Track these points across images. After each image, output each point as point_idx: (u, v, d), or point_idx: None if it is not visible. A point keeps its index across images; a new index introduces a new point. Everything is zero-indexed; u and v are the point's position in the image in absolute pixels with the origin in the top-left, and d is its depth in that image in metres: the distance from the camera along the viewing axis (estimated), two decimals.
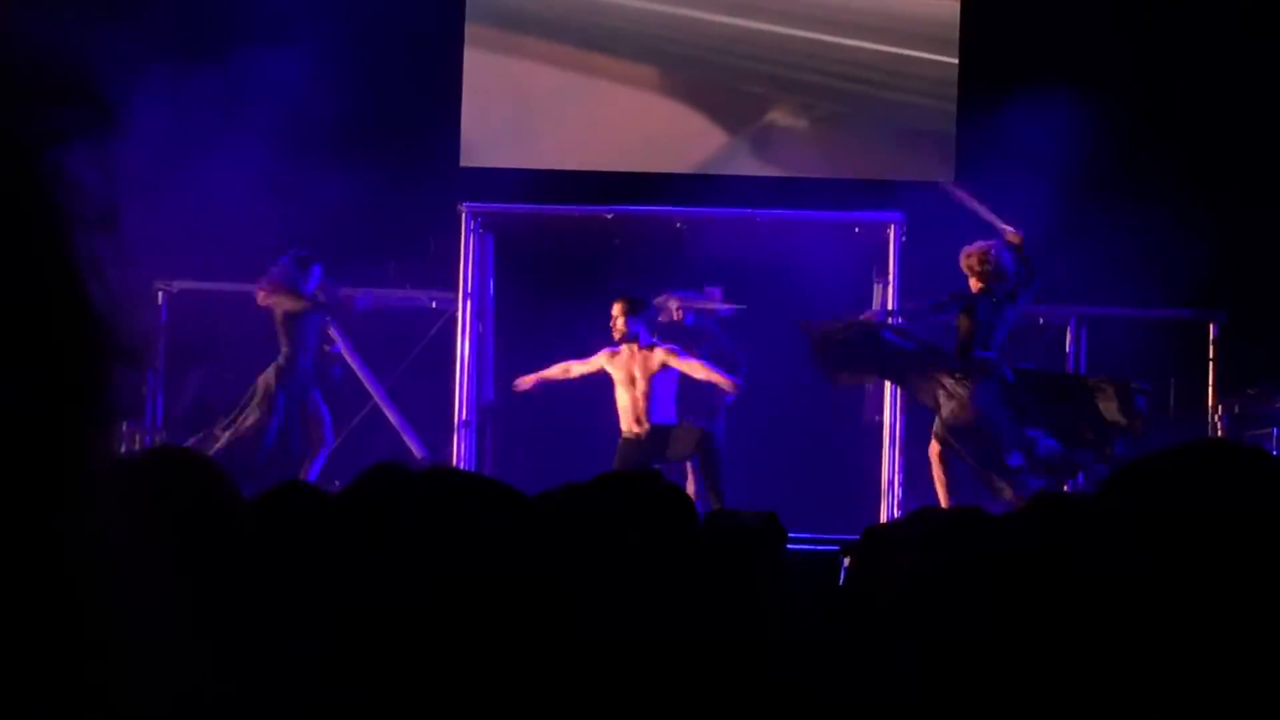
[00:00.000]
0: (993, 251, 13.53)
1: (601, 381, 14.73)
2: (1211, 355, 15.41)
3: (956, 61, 15.93)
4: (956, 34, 15.94)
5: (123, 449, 14.24)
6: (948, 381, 13.33)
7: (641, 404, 13.96)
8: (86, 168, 0.93)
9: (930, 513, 4.92)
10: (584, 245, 15.50)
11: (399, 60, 15.93)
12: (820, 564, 7.66)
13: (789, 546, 6.47)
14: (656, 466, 13.49)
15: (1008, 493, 13.03)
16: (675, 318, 14.64)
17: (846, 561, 6.12)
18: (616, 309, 13.96)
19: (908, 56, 15.98)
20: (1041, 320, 15.59)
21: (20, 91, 0.91)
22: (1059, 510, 2.67)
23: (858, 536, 9.55)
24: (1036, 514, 2.82)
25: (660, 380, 13.98)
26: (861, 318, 13.83)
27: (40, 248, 0.90)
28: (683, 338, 14.44)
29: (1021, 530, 2.72)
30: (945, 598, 2.81)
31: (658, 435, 13.99)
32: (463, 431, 15.32)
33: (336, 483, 14.98)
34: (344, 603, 2.05)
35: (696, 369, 13.91)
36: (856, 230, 15.44)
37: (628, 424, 14.05)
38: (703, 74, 16.15)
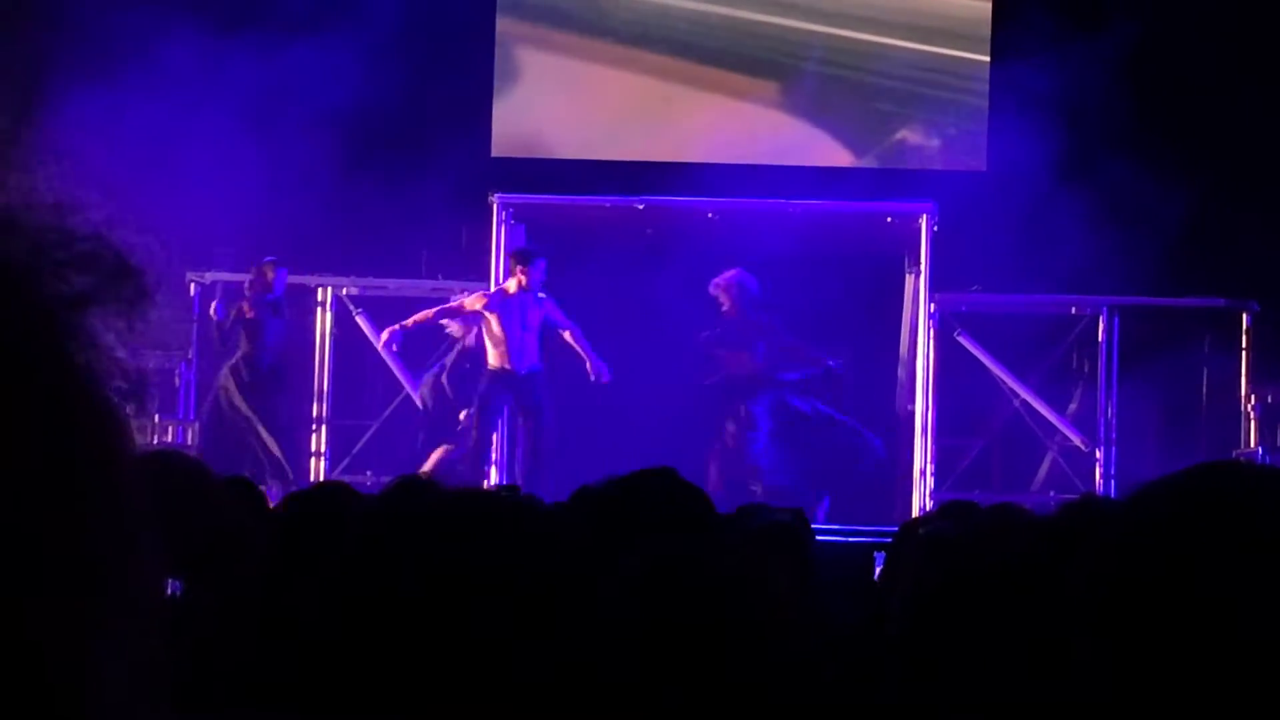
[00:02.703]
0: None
1: (630, 369, 14.75)
2: (1244, 345, 15.36)
3: (988, 59, 15.92)
4: (989, 31, 15.93)
5: (150, 441, 14.35)
6: None
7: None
8: (111, 333, 0.98)
9: (963, 508, 4.92)
10: (615, 236, 15.50)
11: (431, 52, 15.94)
12: (855, 557, 7.66)
13: (822, 539, 6.48)
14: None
15: None
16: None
17: (883, 556, 6.12)
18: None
19: (941, 55, 15.97)
20: (1073, 310, 15.56)
21: (46, 255, 0.96)
22: (1091, 515, 2.68)
23: (890, 527, 9.56)
24: (1070, 518, 2.83)
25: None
26: None
27: (56, 410, 0.95)
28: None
29: (1053, 533, 2.73)
30: (975, 599, 2.82)
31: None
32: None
33: (369, 473, 15.05)
34: (356, 602, 2.06)
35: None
36: (889, 220, 15.43)
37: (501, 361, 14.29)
38: (734, 67, 16.15)
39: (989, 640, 2.78)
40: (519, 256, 14.53)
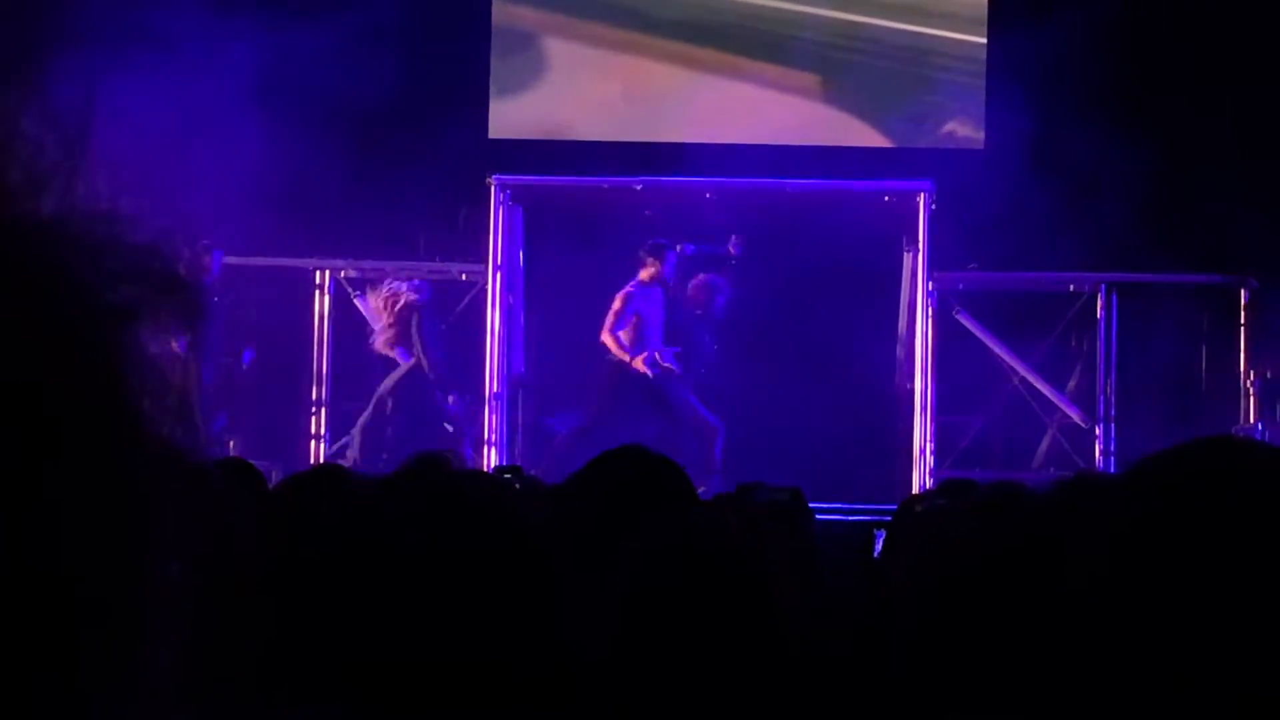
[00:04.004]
0: None
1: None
2: (1243, 321, 15.36)
3: (984, 40, 15.89)
4: (985, 11, 15.91)
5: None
6: None
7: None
8: (154, 343, 0.99)
9: (963, 486, 4.93)
10: (613, 217, 15.50)
11: (428, 33, 15.92)
12: (855, 535, 7.66)
13: (822, 518, 6.48)
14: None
15: None
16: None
17: (882, 534, 6.12)
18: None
19: (939, 36, 15.95)
20: (1071, 288, 15.55)
21: (98, 265, 0.97)
22: (1086, 492, 2.68)
23: (890, 505, 9.57)
24: (1067, 494, 2.83)
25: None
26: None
27: (104, 422, 0.95)
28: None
29: (1052, 509, 2.73)
30: (975, 577, 2.82)
31: None
32: (494, 403, 15.33)
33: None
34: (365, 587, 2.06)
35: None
36: (886, 199, 15.42)
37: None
38: (731, 48, 16.13)
39: (990, 618, 2.78)
40: (650, 249, 14.58)
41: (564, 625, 2.08)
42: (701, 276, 14.86)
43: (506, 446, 15.22)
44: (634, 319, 14.50)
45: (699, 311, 14.73)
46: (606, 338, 14.50)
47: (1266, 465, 1.75)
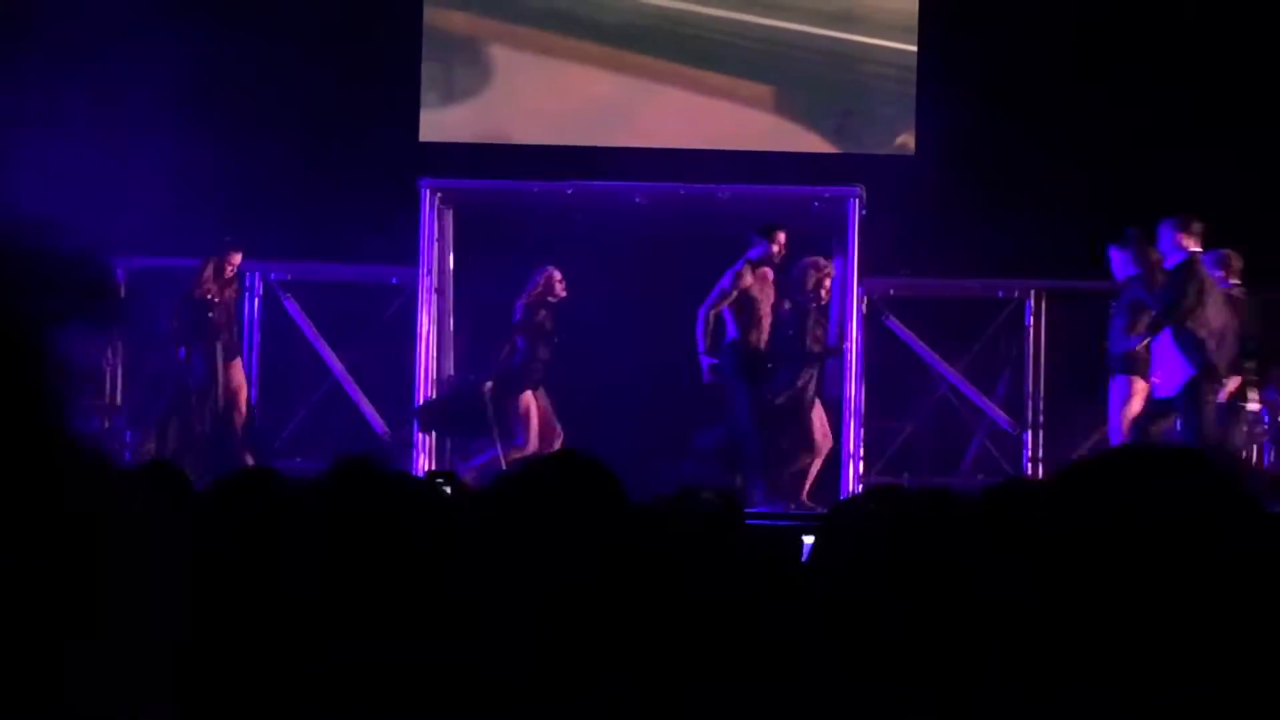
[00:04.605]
0: None
1: (569, 351, 14.76)
2: None
3: (915, 48, 15.95)
4: (916, 20, 15.97)
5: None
6: None
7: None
8: (79, 347, 1.00)
9: (891, 492, 4.94)
10: (544, 220, 15.48)
11: (361, 36, 15.89)
12: (782, 540, 7.66)
13: (749, 522, 6.48)
14: None
15: None
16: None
17: (809, 540, 6.13)
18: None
19: (870, 44, 16.01)
20: (1000, 294, 15.62)
21: (28, 274, 0.98)
22: (1016, 499, 2.70)
23: (818, 510, 9.55)
24: (995, 502, 2.85)
25: None
26: None
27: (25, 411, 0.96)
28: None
29: (980, 517, 2.75)
30: (903, 583, 2.83)
31: None
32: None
33: (299, 460, 14.99)
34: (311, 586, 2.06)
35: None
36: (816, 205, 15.44)
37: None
38: (663, 52, 16.15)
39: (919, 624, 2.80)
40: (762, 230, 14.51)
41: (491, 627, 2.08)
42: (808, 258, 14.71)
43: (435, 451, 15.18)
44: (735, 295, 14.40)
45: (803, 297, 14.56)
46: (704, 314, 14.42)
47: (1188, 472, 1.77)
